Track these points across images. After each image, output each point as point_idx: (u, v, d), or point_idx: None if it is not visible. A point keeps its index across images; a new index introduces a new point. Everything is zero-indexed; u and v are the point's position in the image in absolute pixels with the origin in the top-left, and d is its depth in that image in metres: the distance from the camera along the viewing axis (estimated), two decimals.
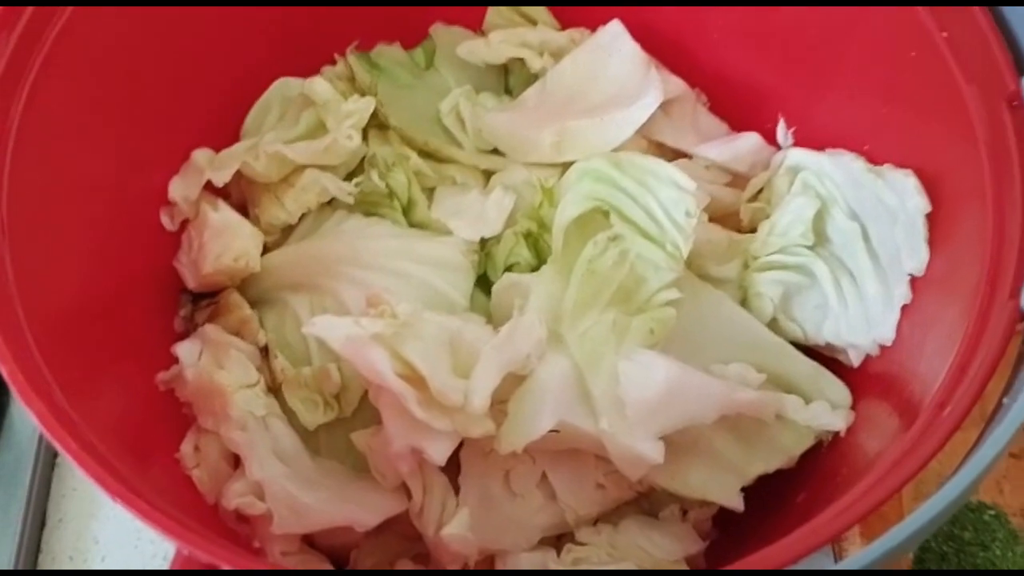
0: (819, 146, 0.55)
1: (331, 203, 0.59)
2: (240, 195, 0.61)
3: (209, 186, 0.58)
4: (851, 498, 0.37)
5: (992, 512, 0.60)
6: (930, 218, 0.48)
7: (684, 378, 0.48)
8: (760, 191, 0.57)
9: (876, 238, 0.51)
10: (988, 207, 0.41)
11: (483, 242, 0.57)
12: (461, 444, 0.48)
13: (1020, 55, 0.43)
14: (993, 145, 0.42)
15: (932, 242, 0.48)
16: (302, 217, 0.59)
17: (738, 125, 0.63)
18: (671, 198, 0.52)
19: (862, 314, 0.51)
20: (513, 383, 0.49)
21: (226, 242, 0.56)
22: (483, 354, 0.48)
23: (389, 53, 0.65)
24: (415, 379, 0.47)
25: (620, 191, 0.53)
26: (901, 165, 0.50)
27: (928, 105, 0.48)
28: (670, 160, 0.59)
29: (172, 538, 0.36)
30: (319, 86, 0.59)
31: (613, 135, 0.57)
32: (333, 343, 0.47)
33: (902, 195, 0.49)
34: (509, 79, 0.66)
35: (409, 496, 0.50)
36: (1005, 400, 0.36)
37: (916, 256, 0.48)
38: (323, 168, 0.58)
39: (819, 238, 0.53)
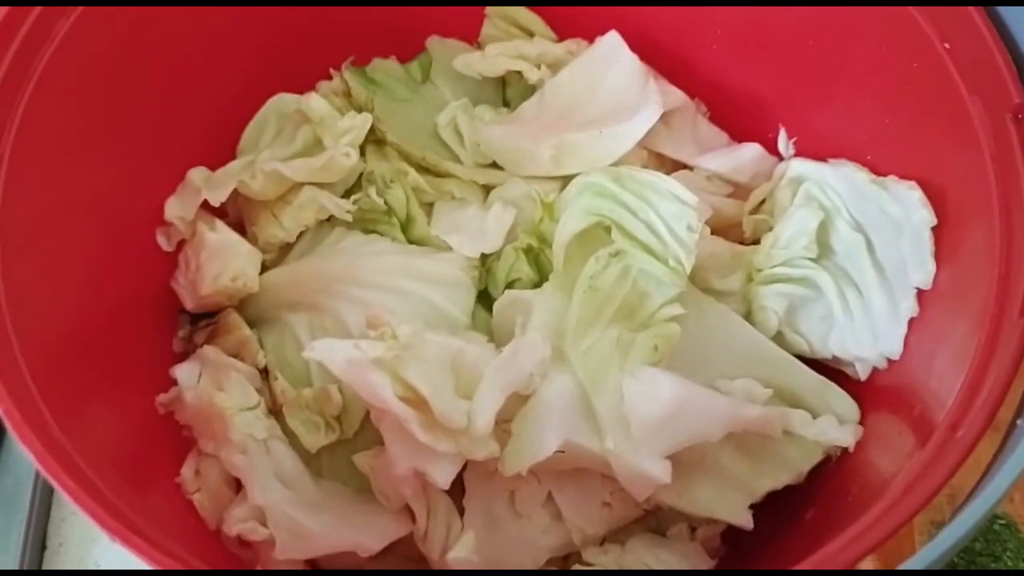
0: (821, 156, 0.55)
1: (329, 220, 0.59)
2: (237, 213, 0.60)
3: (206, 205, 0.58)
4: (864, 524, 0.36)
5: (1003, 522, 0.60)
6: (936, 231, 0.47)
7: (689, 395, 0.48)
8: (762, 202, 0.57)
9: (881, 250, 0.51)
10: (995, 221, 0.41)
11: (483, 258, 0.57)
12: (465, 465, 0.48)
13: None
14: (999, 158, 0.42)
15: (939, 255, 0.47)
16: (300, 235, 0.58)
17: (739, 135, 0.62)
18: (672, 212, 0.51)
19: (868, 327, 0.51)
20: (517, 403, 0.48)
21: (224, 262, 0.56)
22: (486, 375, 0.48)
23: (385, 67, 0.65)
24: (417, 402, 0.46)
25: (621, 206, 0.52)
26: (904, 176, 0.49)
27: (931, 117, 0.47)
28: (671, 171, 0.58)
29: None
30: (315, 103, 0.59)
31: (612, 148, 0.57)
32: (333, 367, 0.46)
33: (906, 207, 0.48)
34: (507, 91, 0.65)
35: (413, 519, 0.49)
36: (1019, 422, 0.35)
37: (923, 269, 0.48)
38: (320, 185, 0.58)
39: (823, 249, 0.53)
